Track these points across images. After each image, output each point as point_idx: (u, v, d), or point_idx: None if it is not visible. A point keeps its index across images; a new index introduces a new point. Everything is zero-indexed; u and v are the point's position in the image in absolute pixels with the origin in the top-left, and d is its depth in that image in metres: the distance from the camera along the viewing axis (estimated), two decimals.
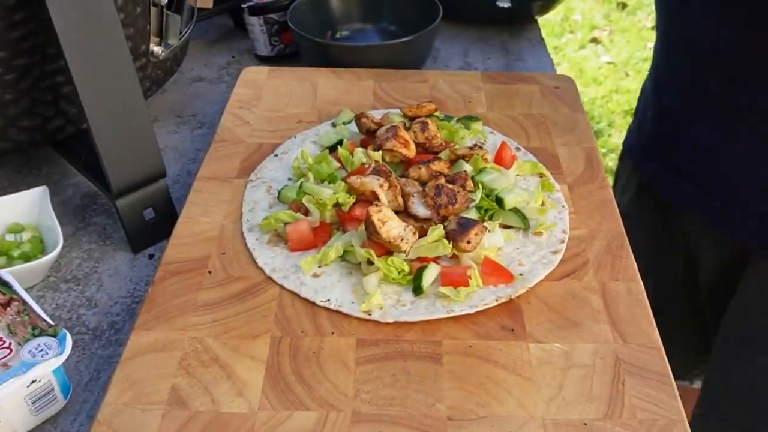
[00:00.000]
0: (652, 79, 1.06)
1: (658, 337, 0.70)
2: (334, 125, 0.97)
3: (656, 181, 1.05)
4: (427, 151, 0.88)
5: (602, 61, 3.35)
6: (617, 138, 2.83)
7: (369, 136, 0.91)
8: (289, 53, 1.25)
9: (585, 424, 0.62)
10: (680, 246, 1.07)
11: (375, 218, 0.73)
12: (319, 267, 0.76)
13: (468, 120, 0.95)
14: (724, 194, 0.93)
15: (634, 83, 3.12)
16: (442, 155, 0.87)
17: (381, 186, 0.79)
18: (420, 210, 0.77)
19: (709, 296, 1.05)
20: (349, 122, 0.96)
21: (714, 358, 0.99)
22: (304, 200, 0.80)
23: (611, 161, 2.70)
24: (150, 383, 0.65)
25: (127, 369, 0.67)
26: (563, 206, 0.85)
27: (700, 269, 1.05)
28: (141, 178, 0.86)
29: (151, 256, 0.88)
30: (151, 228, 0.89)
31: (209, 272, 0.77)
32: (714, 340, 1.02)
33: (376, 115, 0.95)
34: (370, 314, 0.71)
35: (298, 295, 0.74)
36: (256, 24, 1.21)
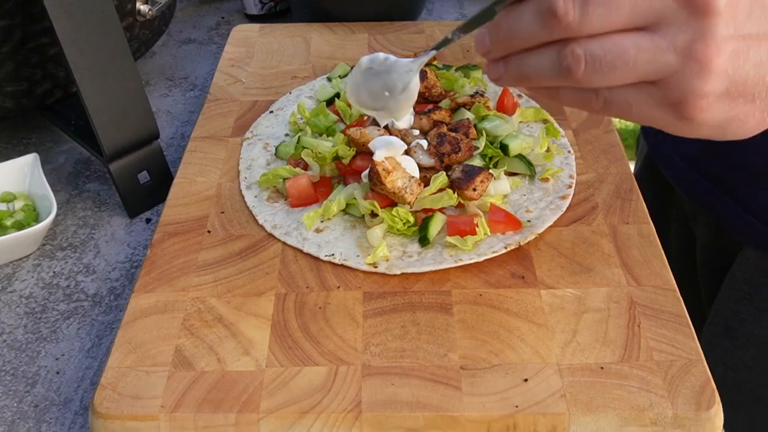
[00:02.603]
0: None
1: (672, 278, 0.69)
2: (329, 79, 0.94)
3: (655, 152, 0.99)
4: (427, 101, 0.85)
5: None
6: None
7: None
8: (279, 11, 1.21)
9: (602, 368, 0.60)
10: (680, 219, 1.02)
11: (380, 168, 0.70)
12: (322, 222, 0.74)
13: (467, 69, 0.92)
14: (712, 176, 0.87)
15: None
16: (443, 104, 0.84)
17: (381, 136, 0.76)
18: (423, 159, 0.75)
19: (704, 278, 0.99)
20: (345, 76, 0.93)
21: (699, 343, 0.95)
22: (302, 154, 0.77)
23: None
24: (153, 345, 0.63)
25: (129, 332, 0.65)
26: (569, 151, 0.82)
27: (696, 248, 1.00)
28: (134, 140, 0.83)
29: (148, 221, 0.86)
30: (147, 191, 0.86)
31: (209, 232, 0.74)
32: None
33: None
34: (376, 267, 0.69)
35: (301, 251, 0.72)
36: None
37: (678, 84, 0.43)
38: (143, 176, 0.86)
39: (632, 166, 0.84)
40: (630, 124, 2.61)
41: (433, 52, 0.59)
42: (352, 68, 0.89)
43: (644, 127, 1.01)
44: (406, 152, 0.75)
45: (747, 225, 0.81)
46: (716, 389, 0.59)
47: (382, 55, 0.63)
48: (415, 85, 0.61)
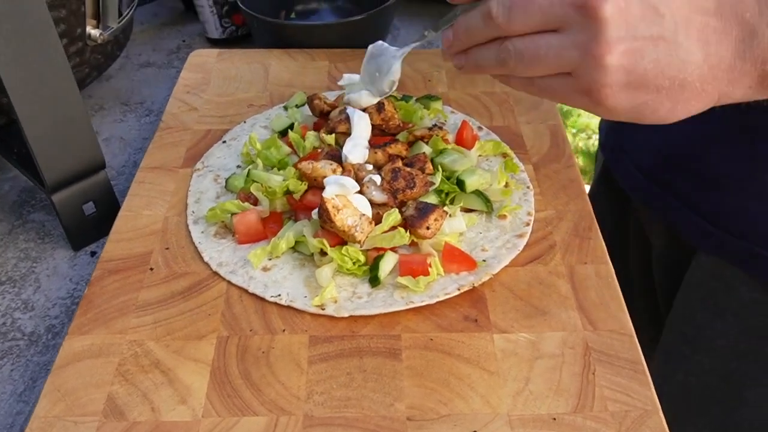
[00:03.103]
0: None
1: (630, 322, 0.66)
2: (285, 108, 0.92)
3: (612, 164, 0.98)
4: (384, 133, 0.83)
5: None
6: (586, 117, 2.80)
7: (322, 118, 0.86)
8: (241, 35, 1.19)
9: (554, 419, 0.58)
10: (637, 230, 1.01)
11: (329, 205, 0.68)
12: (270, 260, 0.71)
13: (427, 99, 0.90)
14: (666, 184, 0.86)
15: None
16: (400, 137, 0.82)
17: (334, 171, 0.74)
18: (376, 195, 0.72)
19: (661, 287, 0.98)
20: (302, 105, 0.91)
21: (658, 352, 0.95)
22: (252, 188, 0.75)
23: (580, 141, 2.68)
24: (84, 393, 0.60)
25: (59, 378, 0.61)
26: (528, 187, 0.80)
27: (652, 257, 0.99)
28: (78, 170, 0.80)
29: (93, 254, 0.83)
30: (93, 223, 0.83)
31: (151, 269, 0.71)
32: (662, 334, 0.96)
33: (330, 96, 0.90)
34: (323, 309, 0.66)
35: (246, 291, 0.69)
36: (205, 5, 1.15)
37: (583, 75, 0.52)
38: (89, 207, 0.82)
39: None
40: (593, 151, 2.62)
41: (416, 44, 0.73)
42: (308, 97, 0.87)
43: (602, 142, 1.02)
44: (359, 188, 0.72)
45: (700, 229, 0.81)
46: None
47: (381, 42, 0.78)
48: (396, 70, 0.75)
